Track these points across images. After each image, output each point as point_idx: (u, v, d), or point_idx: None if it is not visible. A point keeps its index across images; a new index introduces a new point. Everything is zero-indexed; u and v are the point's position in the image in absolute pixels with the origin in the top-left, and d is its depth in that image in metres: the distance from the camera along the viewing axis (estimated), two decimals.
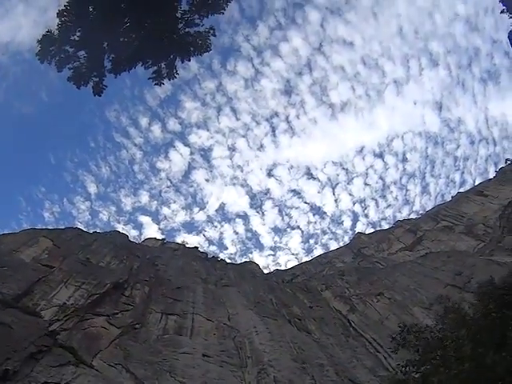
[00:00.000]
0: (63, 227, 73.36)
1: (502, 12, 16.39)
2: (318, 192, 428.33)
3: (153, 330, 48.88)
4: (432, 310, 51.29)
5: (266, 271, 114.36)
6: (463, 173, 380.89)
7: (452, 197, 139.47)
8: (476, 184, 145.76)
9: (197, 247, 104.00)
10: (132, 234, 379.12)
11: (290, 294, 74.44)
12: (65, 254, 55.83)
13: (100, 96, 13.62)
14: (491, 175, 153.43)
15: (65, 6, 12.18)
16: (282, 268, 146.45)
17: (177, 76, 13.42)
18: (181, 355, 44.94)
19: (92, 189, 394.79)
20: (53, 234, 61.41)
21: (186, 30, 13.11)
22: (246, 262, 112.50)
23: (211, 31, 13.02)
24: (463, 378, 19.07)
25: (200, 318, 54.08)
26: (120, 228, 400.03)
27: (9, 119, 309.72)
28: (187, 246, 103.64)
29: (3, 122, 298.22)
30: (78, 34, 12.61)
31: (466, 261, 63.66)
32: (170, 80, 13.44)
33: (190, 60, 13.44)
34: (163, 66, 13.28)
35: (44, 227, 69.65)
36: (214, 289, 66.22)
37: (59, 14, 12.18)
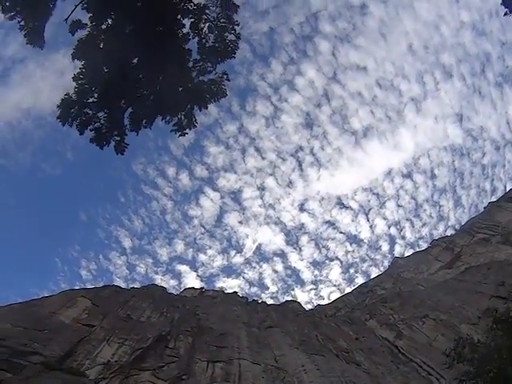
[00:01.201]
0: (101, 285, 74.26)
1: (505, 14, 16.39)
2: (352, 220, 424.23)
3: (201, 380, 48.35)
4: (479, 324, 49.94)
5: (308, 307, 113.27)
6: (493, 180, 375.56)
7: (484, 208, 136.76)
8: (507, 191, 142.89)
9: (236, 292, 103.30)
10: (171, 283, 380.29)
11: (334, 327, 73.17)
12: (104, 312, 56.25)
13: (123, 154, 13.77)
14: None
15: (80, 68, 12.55)
16: (325, 302, 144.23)
17: (196, 125, 13.53)
18: None
19: (127, 243, 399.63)
20: (91, 294, 62.00)
21: (200, 78, 13.33)
22: (286, 301, 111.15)
23: (225, 76, 13.17)
24: None
25: (246, 362, 53.37)
26: (159, 279, 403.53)
27: (37, 182, 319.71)
28: (226, 291, 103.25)
29: (32, 185, 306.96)
30: (96, 95, 12.93)
31: (507, 270, 62.16)
32: (190, 129, 13.62)
33: (207, 107, 13.57)
34: (182, 116, 13.49)
35: (82, 286, 70.77)
36: (258, 332, 65.50)
37: (75, 78, 12.51)
